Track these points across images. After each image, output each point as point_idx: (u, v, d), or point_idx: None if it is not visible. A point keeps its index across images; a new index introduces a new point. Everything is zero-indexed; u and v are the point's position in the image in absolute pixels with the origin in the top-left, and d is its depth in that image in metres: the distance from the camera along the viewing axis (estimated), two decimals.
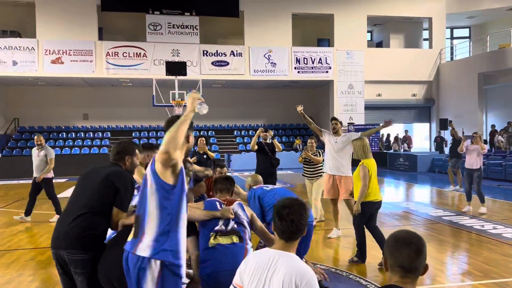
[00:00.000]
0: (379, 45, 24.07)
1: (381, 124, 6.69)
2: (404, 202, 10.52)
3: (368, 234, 5.39)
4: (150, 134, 22.02)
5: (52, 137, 20.89)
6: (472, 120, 19.48)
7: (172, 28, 19.60)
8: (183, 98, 16.60)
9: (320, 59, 20.83)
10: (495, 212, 8.68)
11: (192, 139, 2.70)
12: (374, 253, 5.51)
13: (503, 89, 19.67)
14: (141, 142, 20.80)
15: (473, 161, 8.75)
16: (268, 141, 8.10)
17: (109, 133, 21.84)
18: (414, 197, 11.68)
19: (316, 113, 22.76)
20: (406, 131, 22.48)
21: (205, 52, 19.68)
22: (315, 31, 22.56)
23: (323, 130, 6.96)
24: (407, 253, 1.76)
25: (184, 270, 2.53)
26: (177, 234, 2.48)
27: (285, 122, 23.85)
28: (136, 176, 3.40)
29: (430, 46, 22.34)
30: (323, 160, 7.34)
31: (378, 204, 5.45)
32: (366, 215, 5.40)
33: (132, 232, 2.54)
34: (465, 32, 25.08)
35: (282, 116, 23.51)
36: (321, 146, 7.19)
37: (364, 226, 5.41)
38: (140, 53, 19.10)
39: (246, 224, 3.46)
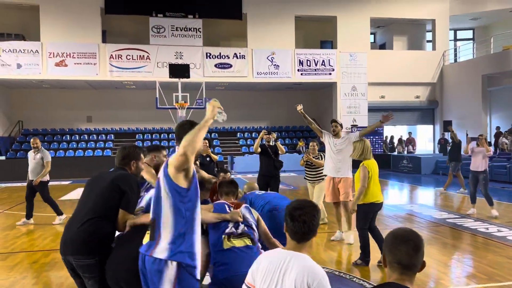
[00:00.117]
0: (383, 47, 24.04)
1: (380, 120, 6.32)
2: (408, 204, 10.49)
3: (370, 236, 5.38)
4: (153, 137, 22.05)
5: (56, 139, 20.98)
6: (476, 122, 19.40)
7: (176, 31, 19.66)
8: (186, 100, 16.64)
9: (323, 61, 20.82)
10: (499, 215, 8.62)
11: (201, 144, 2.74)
12: (378, 255, 5.49)
13: (507, 91, 19.59)
14: (145, 144, 20.86)
15: (478, 163, 8.68)
16: (271, 144, 8.09)
17: (112, 135, 21.90)
18: (418, 200, 11.63)
19: (319, 115, 22.74)
20: (409, 133, 22.42)
21: (208, 54, 19.72)
22: (318, 33, 22.56)
23: (323, 131, 6.92)
24: (405, 250, 1.79)
25: (199, 272, 2.57)
26: (193, 236, 2.53)
27: (288, 124, 23.84)
28: (146, 176, 3.45)
29: (434, 48, 22.29)
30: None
31: (379, 206, 5.45)
32: (368, 217, 5.39)
33: (148, 234, 2.58)
34: (468, 34, 25.02)
35: (285, 118, 23.50)
36: (323, 149, 7.15)
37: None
38: (143, 56, 19.16)
39: (254, 227, 3.49)
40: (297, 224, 2.16)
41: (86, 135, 21.63)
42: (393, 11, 21.47)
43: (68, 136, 21.39)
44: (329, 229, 7.38)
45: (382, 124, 6.46)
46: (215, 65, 19.73)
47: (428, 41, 23.56)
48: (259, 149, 7.94)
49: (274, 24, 20.44)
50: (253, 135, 22.77)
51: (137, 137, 21.74)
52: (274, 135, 8.27)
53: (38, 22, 18.75)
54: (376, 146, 21.52)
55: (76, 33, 18.80)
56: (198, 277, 2.58)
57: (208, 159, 7.95)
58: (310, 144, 7.67)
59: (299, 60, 20.54)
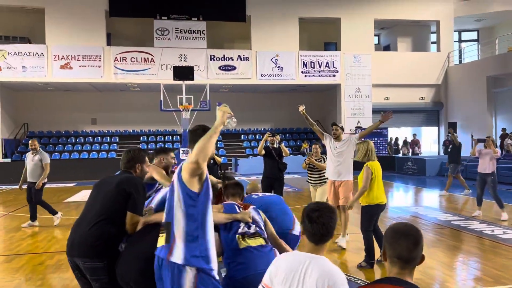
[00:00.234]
0: (387, 48, 23.99)
1: (379, 120, 6.18)
2: (413, 206, 10.44)
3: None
4: (157, 139, 22.10)
5: (61, 141, 21.08)
6: (481, 124, 19.31)
7: (180, 33, 19.72)
8: (190, 102, 16.67)
9: (327, 63, 20.81)
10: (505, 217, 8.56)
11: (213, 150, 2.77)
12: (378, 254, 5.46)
13: None
14: (149, 146, 20.92)
15: (486, 165, 8.61)
16: (275, 146, 8.07)
17: (117, 137, 21.97)
18: (423, 202, 11.58)
19: (323, 117, 22.72)
20: (414, 135, 22.33)
21: (212, 56, 19.76)
22: (322, 35, 22.55)
23: (325, 134, 6.88)
24: (405, 245, 1.83)
25: (216, 271, 2.61)
26: (206, 239, 2.58)
27: (292, 126, 23.83)
28: (156, 176, 3.50)
29: (438, 49, 22.22)
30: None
31: (383, 207, 5.46)
32: (373, 218, 5.38)
33: (164, 237, 2.62)
34: (473, 35, 24.91)
35: (289, 120, 23.48)
36: (326, 151, 7.11)
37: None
38: (147, 58, 19.23)
39: (263, 227, 3.52)
40: (316, 226, 2.17)
41: (90, 137, 21.72)
42: (397, 12, 21.43)
43: (73, 138, 21.49)
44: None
45: (381, 124, 6.27)
46: (219, 67, 19.77)
47: (432, 43, 23.49)
48: (263, 151, 7.92)
49: (278, 26, 20.45)
50: (257, 137, 22.77)
51: (141, 139, 21.80)
52: (278, 137, 8.25)
53: (44, 25, 18.88)
54: (381, 148, 21.46)
55: (81, 36, 18.91)
56: (217, 276, 2.62)
57: (212, 161, 7.94)
58: (313, 146, 7.61)
59: (303, 62, 20.54)
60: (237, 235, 3.34)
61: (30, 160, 8.20)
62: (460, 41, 24.83)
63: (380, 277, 1.90)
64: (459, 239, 6.86)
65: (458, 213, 9.12)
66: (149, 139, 22.00)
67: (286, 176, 8.55)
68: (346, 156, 6.46)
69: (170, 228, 2.58)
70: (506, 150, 17.67)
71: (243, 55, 20.01)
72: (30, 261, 5.93)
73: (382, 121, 6.15)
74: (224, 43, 21.42)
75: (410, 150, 21.73)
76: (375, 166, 5.35)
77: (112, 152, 20.45)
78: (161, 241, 2.63)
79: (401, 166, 19.52)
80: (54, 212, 8.35)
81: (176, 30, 19.69)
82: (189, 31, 19.82)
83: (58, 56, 18.54)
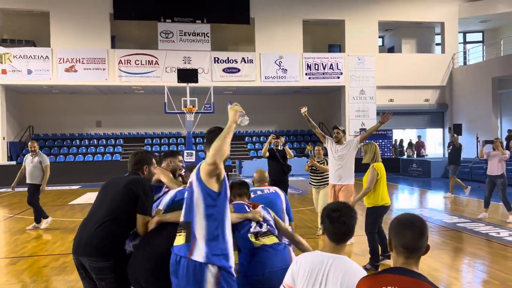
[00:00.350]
0: (391, 50, 23.92)
1: (379, 121, 6.15)
2: (418, 208, 10.38)
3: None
4: (162, 141, 22.15)
5: (65, 144, 21.16)
6: (487, 125, 19.21)
7: (184, 36, 19.77)
8: (194, 105, 16.70)
9: (331, 64, 20.78)
10: (510, 220, 8.49)
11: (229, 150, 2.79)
12: (387, 260, 5.43)
13: None
14: (154, 149, 20.96)
15: (494, 167, 8.55)
16: (279, 148, 8.07)
17: (121, 140, 22.04)
18: (428, 204, 11.52)
19: (327, 119, 22.69)
20: (419, 137, 22.24)
21: (216, 59, 19.79)
22: (326, 37, 22.53)
23: (327, 136, 6.84)
24: (410, 235, 1.85)
25: (234, 270, 2.67)
26: (225, 238, 2.63)
27: (296, 128, 23.80)
28: (164, 179, 3.53)
29: (443, 51, 22.15)
30: None
31: (387, 208, 5.46)
32: (378, 220, 5.36)
33: (183, 236, 2.64)
34: (478, 37, 24.81)
35: (293, 122, 23.46)
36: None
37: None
38: (152, 61, 19.29)
39: (273, 225, 3.52)
40: (337, 225, 2.19)
41: (95, 140, 21.80)
42: (401, 14, 21.38)
43: (77, 141, 21.57)
44: None
45: (382, 125, 6.21)
46: (223, 70, 19.80)
47: (437, 44, 23.41)
48: (268, 154, 7.92)
49: (281, 28, 20.46)
50: (261, 139, 22.77)
51: (145, 141, 21.85)
52: (283, 139, 8.24)
53: (48, 28, 18.99)
54: (385, 150, 21.39)
55: (86, 39, 19.00)
56: (235, 275, 2.68)
57: None
58: (316, 148, 7.58)
59: (307, 64, 20.53)
60: (249, 234, 3.35)
61: (29, 161, 8.16)
62: (465, 42, 24.73)
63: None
64: (465, 241, 6.81)
65: (464, 215, 9.06)
66: (154, 141, 22.05)
67: (290, 178, 8.55)
68: (347, 159, 6.42)
69: (190, 228, 2.61)
70: None
71: (247, 58, 20.03)
72: (34, 263, 5.94)
73: (382, 122, 6.11)
74: (228, 46, 21.45)
75: (415, 152, 21.64)
76: (381, 167, 5.34)
77: (117, 154, 20.50)
78: (179, 240, 2.65)
79: (406, 168, 19.44)
80: (45, 216, 8.34)
81: (180, 33, 19.75)
82: (193, 34, 19.87)
83: (63, 59, 18.63)
